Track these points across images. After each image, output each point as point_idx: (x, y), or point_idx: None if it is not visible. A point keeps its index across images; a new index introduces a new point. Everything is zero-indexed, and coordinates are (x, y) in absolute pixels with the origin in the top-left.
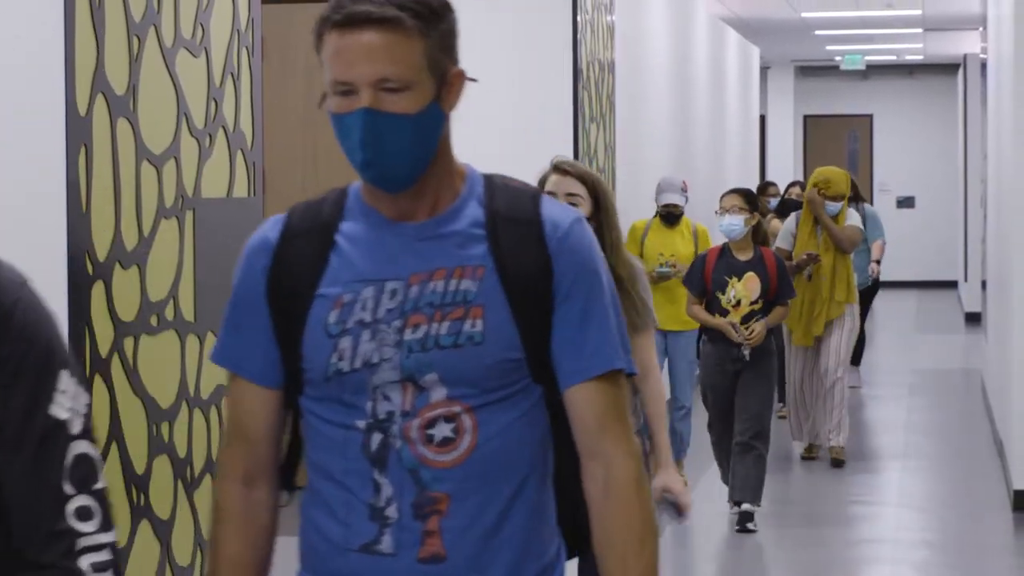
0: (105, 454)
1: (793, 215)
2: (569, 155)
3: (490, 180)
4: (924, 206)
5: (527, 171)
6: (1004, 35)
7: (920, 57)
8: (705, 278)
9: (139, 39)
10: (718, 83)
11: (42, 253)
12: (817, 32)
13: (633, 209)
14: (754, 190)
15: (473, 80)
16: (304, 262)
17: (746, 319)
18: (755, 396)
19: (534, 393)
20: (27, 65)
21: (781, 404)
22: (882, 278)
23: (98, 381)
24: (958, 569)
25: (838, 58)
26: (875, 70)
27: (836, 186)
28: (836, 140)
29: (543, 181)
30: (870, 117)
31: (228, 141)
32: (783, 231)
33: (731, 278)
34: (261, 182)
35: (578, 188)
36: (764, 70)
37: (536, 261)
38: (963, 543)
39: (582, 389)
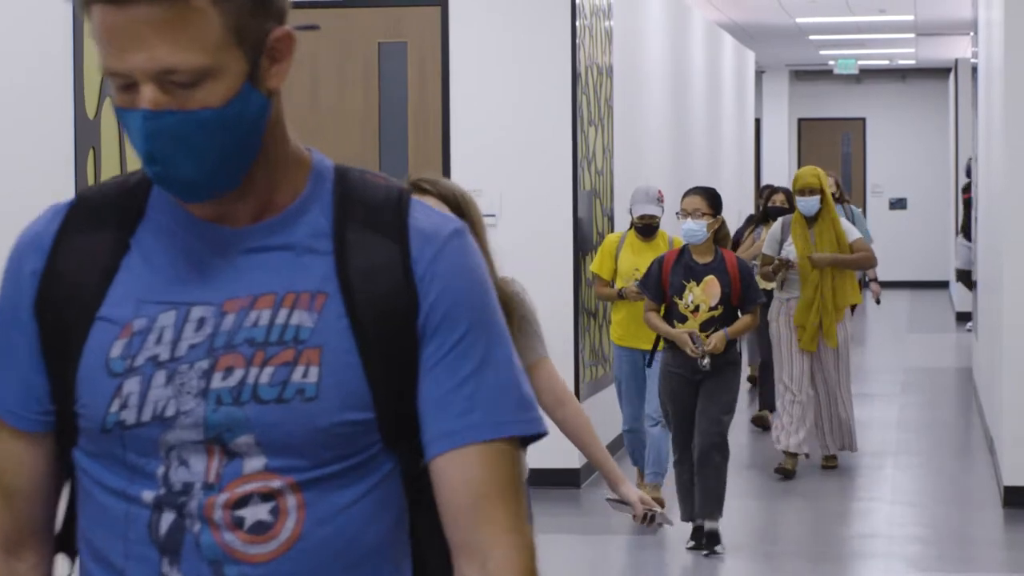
0: None
1: (780, 220)
2: (568, 159)
3: (344, 175)
4: (916, 207)
5: (527, 172)
6: (995, 40)
7: (912, 61)
8: (662, 283)
9: None
10: (714, 87)
11: None
12: (811, 37)
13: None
14: (716, 191)
15: (312, 28)
16: (86, 269)
17: (706, 326)
18: (716, 403)
19: (386, 464)
20: (37, 70)
21: (768, 412)
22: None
23: None
24: (950, 563)
25: (832, 62)
26: (868, 74)
27: (800, 179)
28: (830, 143)
29: None
30: (863, 120)
31: None
32: (768, 237)
33: (689, 283)
34: None
35: (440, 208)
36: (759, 74)
37: (398, 286)
38: (954, 538)
39: (455, 460)
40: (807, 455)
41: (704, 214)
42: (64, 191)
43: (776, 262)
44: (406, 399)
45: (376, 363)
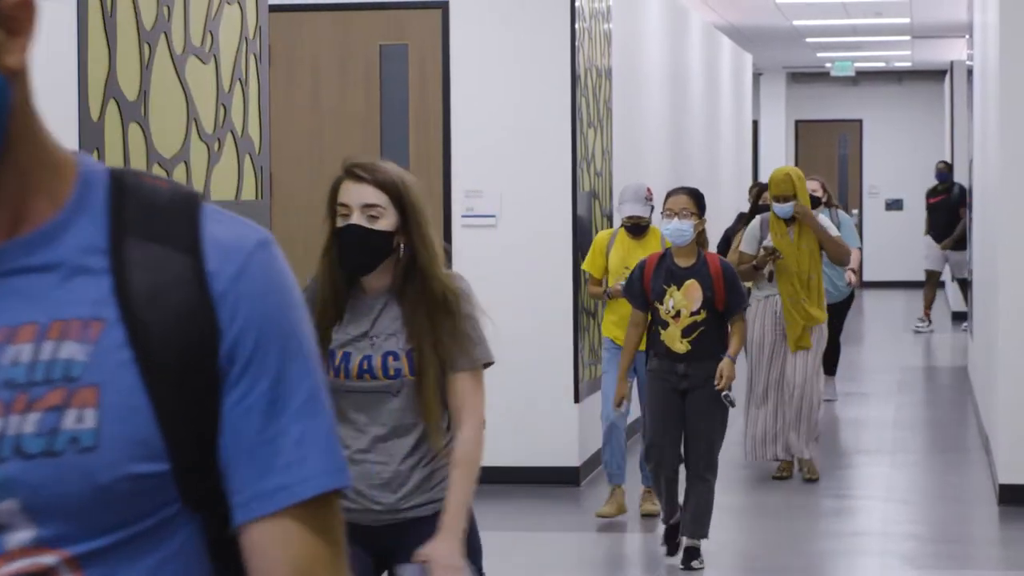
0: None
1: (758, 218)
2: (567, 160)
3: (121, 180)
4: (912, 208)
5: (527, 173)
6: (990, 43)
7: (908, 64)
8: (644, 288)
9: (150, 46)
10: (712, 89)
11: None
12: (808, 39)
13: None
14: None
15: None
16: None
17: (688, 331)
18: (707, 421)
19: (185, 528)
20: (41, 72)
21: None
22: (870, 278)
23: None
24: (945, 560)
25: (828, 65)
26: (864, 76)
27: (775, 186)
28: (827, 144)
29: (334, 188)
30: (860, 122)
31: (236, 145)
32: (747, 235)
33: (670, 287)
34: (268, 185)
35: (378, 197)
36: (757, 76)
37: (192, 307)
38: (950, 535)
39: (270, 529)
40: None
41: (691, 214)
42: None
43: (761, 252)
44: (207, 445)
45: (168, 402)
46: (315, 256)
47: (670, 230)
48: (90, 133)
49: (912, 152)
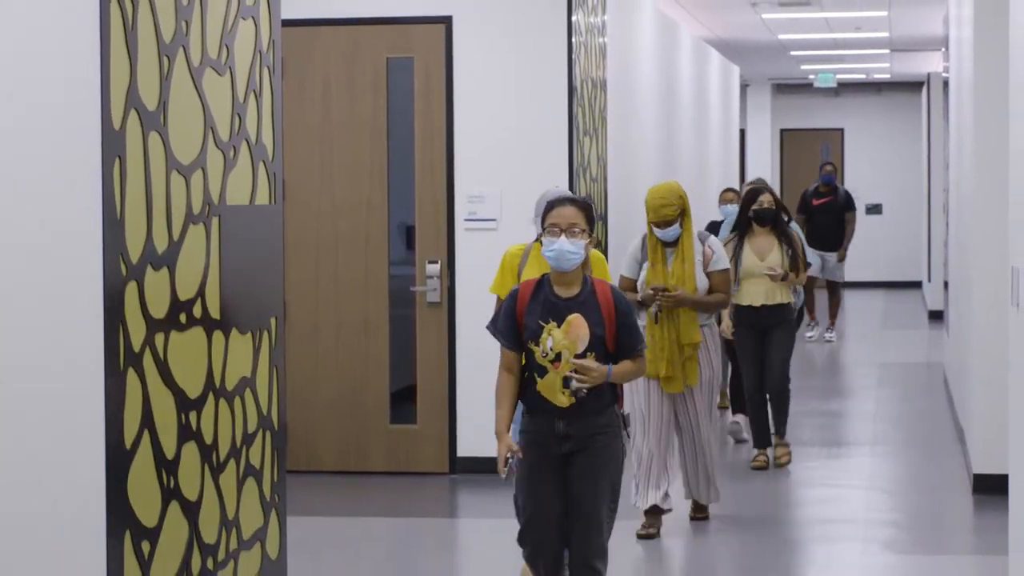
0: (138, 441)
1: (641, 236)
2: (564, 166)
3: None
4: (891, 212)
5: (526, 178)
6: (964, 56)
7: (887, 75)
8: (517, 324)
9: (169, 59)
10: (701, 99)
11: (80, 255)
12: (792, 53)
13: (624, 220)
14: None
15: None
16: None
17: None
18: (592, 500)
19: None
20: (66, 83)
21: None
22: (851, 278)
23: (131, 374)
24: (923, 546)
25: (812, 76)
26: (846, 87)
27: (656, 211)
28: (810, 152)
29: None
30: (841, 131)
31: (251, 153)
32: (629, 257)
33: (548, 323)
34: (281, 191)
35: None
36: (744, 87)
37: None
38: (927, 522)
39: None
40: (670, 510)
41: (582, 231)
42: (92, 196)
43: (649, 292)
44: None
45: None
46: (325, 256)
47: (554, 252)
48: (112, 141)
49: (891, 159)
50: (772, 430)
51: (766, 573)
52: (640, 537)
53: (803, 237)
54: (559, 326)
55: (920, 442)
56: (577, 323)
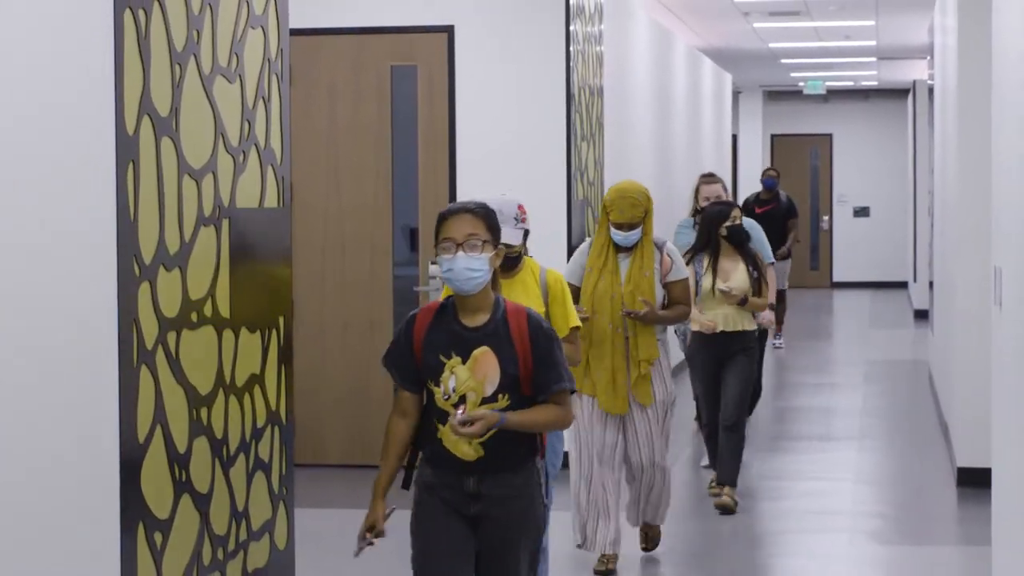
0: (150, 435)
1: (587, 240)
2: (562, 170)
3: None
4: (878, 215)
5: (526, 182)
6: (949, 64)
7: (874, 83)
8: (415, 356)
9: (180, 67)
10: (695, 106)
11: (94, 256)
12: (783, 60)
13: None
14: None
15: None
16: None
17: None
18: (504, 569)
19: None
20: (81, 90)
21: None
22: (839, 279)
23: (144, 371)
24: (908, 537)
25: (801, 83)
26: (834, 94)
27: (621, 213)
28: (800, 157)
29: None
30: (830, 136)
31: (260, 157)
32: (574, 263)
33: (451, 359)
34: (289, 194)
35: None
36: (736, 94)
37: None
38: (913, 514)
39: None
40: (617, 555)
41: (483, 243)
42: (106, 199)
43: (581, 310)
44: None
45: None
46: (332, 257)
47: (451, 272)
48: (126, 146)
49: (878, 163)
50: (715, 479)
51: (756, 563)
52: (598, 573)
53: (755, 240)
54: (464, 362)
55: (906, 437)
56: (485, 359)
